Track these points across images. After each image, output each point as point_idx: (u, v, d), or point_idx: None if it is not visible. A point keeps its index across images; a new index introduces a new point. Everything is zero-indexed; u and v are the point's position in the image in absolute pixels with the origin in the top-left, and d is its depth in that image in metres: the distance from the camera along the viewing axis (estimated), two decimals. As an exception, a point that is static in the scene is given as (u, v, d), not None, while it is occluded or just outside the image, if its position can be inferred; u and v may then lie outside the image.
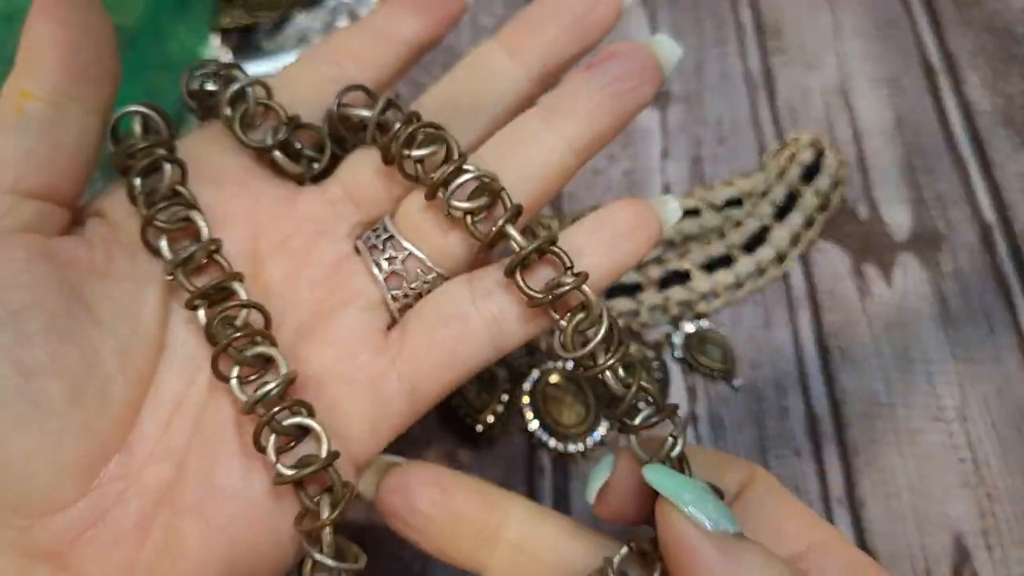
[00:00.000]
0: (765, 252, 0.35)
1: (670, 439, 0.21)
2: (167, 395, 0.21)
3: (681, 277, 0.35)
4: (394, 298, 0.23)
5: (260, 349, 0.21)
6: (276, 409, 0.20)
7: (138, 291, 0.21)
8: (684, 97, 0.41)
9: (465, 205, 0.22)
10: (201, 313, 0.21)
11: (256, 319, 0.22)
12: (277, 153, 0.24)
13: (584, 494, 0.22)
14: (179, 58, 0.39)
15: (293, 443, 0.21)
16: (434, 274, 0.23)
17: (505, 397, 0.32)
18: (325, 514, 0.20)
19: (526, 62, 0.24)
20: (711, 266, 0.35)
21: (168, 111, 0.24)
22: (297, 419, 0.21)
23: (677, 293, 0.34)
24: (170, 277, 0.21)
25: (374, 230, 0.23)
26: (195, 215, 0.22)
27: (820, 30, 0.43)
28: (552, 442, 0.31)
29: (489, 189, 0.22)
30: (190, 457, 0.21)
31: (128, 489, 0.20)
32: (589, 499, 0.22)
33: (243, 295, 0.22)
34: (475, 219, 0.22)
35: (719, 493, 0.20)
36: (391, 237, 0.23)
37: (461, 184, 0.22)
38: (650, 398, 0.21)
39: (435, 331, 0.22)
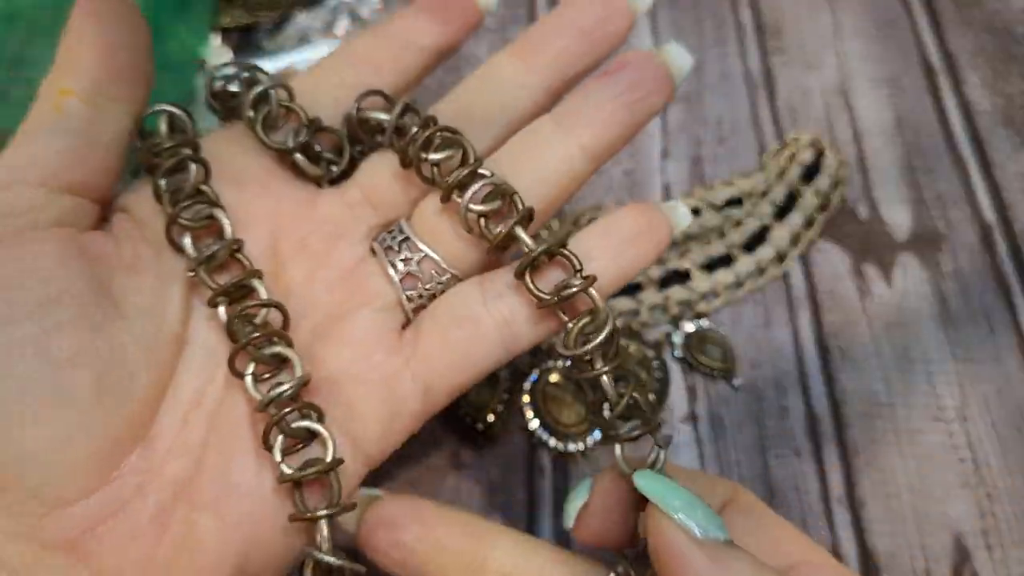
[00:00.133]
0: (765, 252, 0.35)
1: (655, 450, 0.21)
2: (186, 391, 0.21)
3: (681, 276, 0.35)
4: (409, 299, 0.23)
5: (277, 349, 0.21)
6: (286, 410, 0.20)
7: (163, 287, 0.22)
8: (684, 97, 0.41)
9: (479, 208, 0.22)
10: (222, 310, 0.22)
11: (275, 318, 0.22)
12: (298, 155, 0.24)
13: (564, 520, 0.23)
14: (179, 58, 0.39)
15: (301, 445, 0.21)
16: (448, 275, 0.23)
17: (506, 396, 0.32)
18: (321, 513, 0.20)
19: (539, 73, 0.24)
20: (711, 266, 0.35)
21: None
22: (306, 423, 0.21)
23: (677, 292, 0.34)
24: (192, 274, 0.22)
25: (390, 232, 0.24)
26: (219, 213, 0.22)
27: (820, 30, 0.43)
28: (552, 441, 0.31)
29: (502, 193, 0.22)
30: (207, 453, 0.21)
31: (146, 483, 0.20)
32: (567, 524, 0.22)
33: (263, 293, 0.22)
34: (488, 222, 0.22)
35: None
36: (407, 239, 0.23)
37: (477, 188, 0.22)
38: (640, 409, 0.21)
39: (448, 332, 0.22)
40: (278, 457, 0.20)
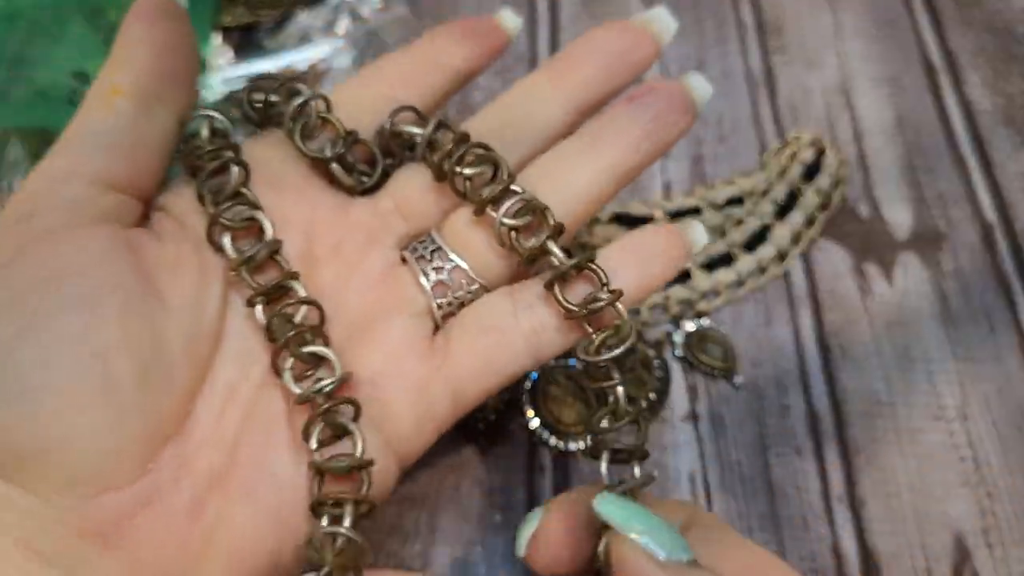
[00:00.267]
0: (766, 251, 0.35)
1: (633, 478, 0.22)
2: (221, 385, 0.22)
3: (682, 275, 0.35)
4: (439, 306, 0.24)
5: (315, 348, 0.22)
6: (327, 405, 0.21)
7: (204, 283, 0.22)
8: (685, 96, 0.41)
9: (511, 222, 0.23)
10: (259, 309, 0.22)
11: (312, 317, 0.23)
12: (334, 165, 0.25)
13: (516, 548, 0.23)
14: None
15: (334, 441, 0.22)
16: (477, 285, 0.24)
17: (506, 395, 0.32)
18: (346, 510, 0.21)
19: (568, 95, 0.25)
20: (712, 265, 0.35)
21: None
22: (342, 420, 0.21)
23: (678, 291, 0.34)
24: (233, 273, 0.22)
25: (421, 242, 0.25)
26: (259, 215, 0.23)
27: (821, 29, 0.43)
28: (553, 440, 0.31)
29: (533, 208, 0.23)
30: (241, 446, 0.21)
31: (182, 473, 0.21)
32: (518, 552, 0.23)
33: (301, 292, 0.23)
34: (519, 235, 0.23)
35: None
36: (438, 249, 0.24)
37: (511, 203, 0.23)
38: (639, 430, 0.22)
39: (477, 340, 0.23)
40: (314, 445, 0.21)
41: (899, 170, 0.39)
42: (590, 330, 0.23)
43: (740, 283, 0.35)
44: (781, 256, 0.36)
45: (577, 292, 0.23)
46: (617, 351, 0.22)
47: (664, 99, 0.25)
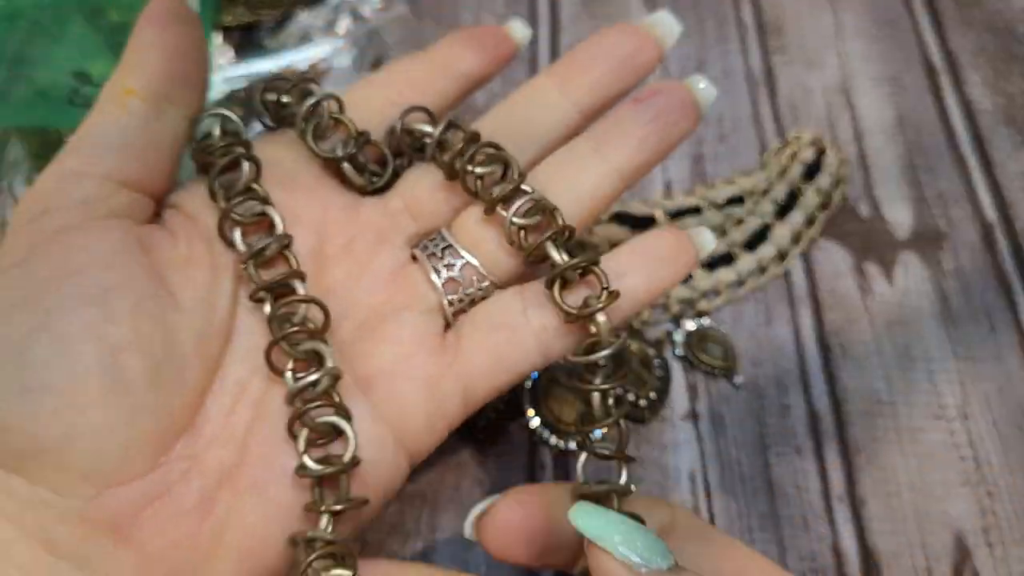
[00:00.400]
0: (766, 250, 0.35)
1: (613, 482, 0.22)
2: (231, 382, 0.22)
3: (682, 275, 0.35)
4: (450, 303, 0.24)
5: (311, 345, 0.22)
6: (312, 404, 0.21)
7: (215, 280, 0.23)
8: (685, 96, 0.41)
9: (520, 221, 0.23)
10: (267, 306, 0.22)
11: (316, 316, 0.23)
12: (346, 165, 0.25)
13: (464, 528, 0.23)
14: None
15: (324, 440, 0.22)
16: (488, 282, 0.24)
17: (507, 394, 0.32)
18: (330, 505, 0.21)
19: (575, 96, 0.26)
20: (712, 264, 0.35)
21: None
22: (333, 419, 0.22)
23: (678, 291, 0.34)
24: (243, 267, 0.23)
25: (432, 239, 0.25)
26: (270, 210, 0.23)
27: (821, 29, 0.43)
28: (553, 439, 0.31)
29: (542, 208, 0.23)
30: (251, 442, 0.22)
31: (192, 468, 0.21)
32: (466, 532, 0.23)
33: (301, 290, 0.23)
34: (527, 234, 0.24)
35: (637, 518, 0.20)
36: (449, 246, 0.25)
37: (521, 203, 0.23)
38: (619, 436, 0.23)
39: (488, 337, 0.24)
40: (301, 448, 0.21)
41: (899, 170, 0.39)
42: (594, 330, 0.23)
43: (740, 282, 0.35)
44: (781, 255, 0.36)
45: (582, 293, 0.23)
46: (599, 354, 0.22)
47: (669, 101, 0.25)
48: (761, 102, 0.41)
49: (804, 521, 0.30)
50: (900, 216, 0.37)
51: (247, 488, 0.21)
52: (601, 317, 0.22)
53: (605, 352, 0.22)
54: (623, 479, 0.22)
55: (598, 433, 0.31)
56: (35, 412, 0.19)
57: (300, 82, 0.26)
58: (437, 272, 0.24)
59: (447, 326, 0.25)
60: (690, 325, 0.34)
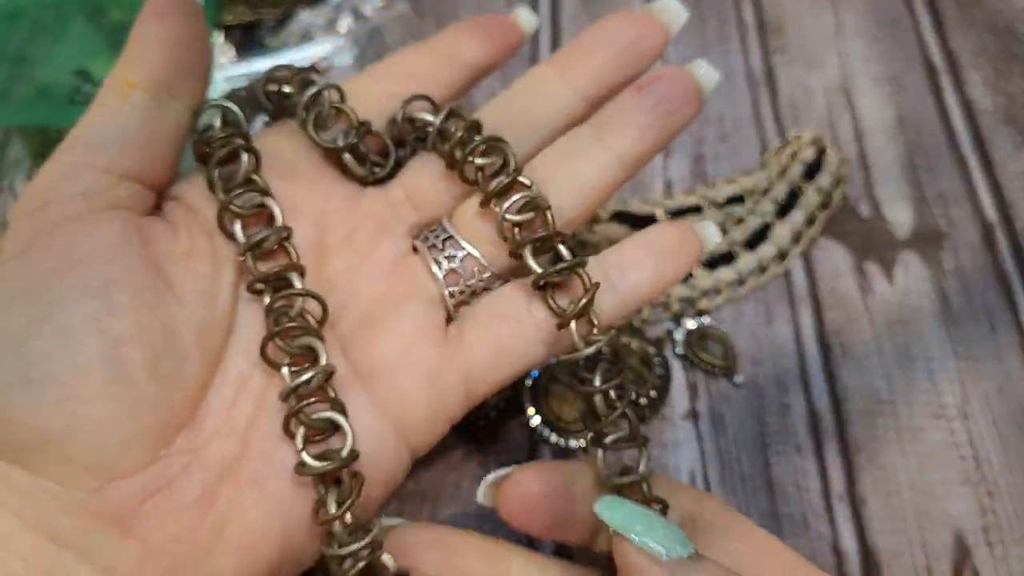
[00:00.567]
0: (767, 249, 0.35)
1: (641, 471, 0.22)
2: (233, 374, 0.22)
3: (683, 274, 0.35)
4: (451, 295, 0.24)
5: (306, 340, 0.22)
6: (306, 402, 0.21)
7: (216, 273, 0.23)
8: (686, 95, 0.41)
9: (514, 218, 0.23)
10: (266, 298, 0.22)
11: (315, 309, 0.23)
12: (347, 155, 0.25)
13: (478, 493, 0.24)
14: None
15: (321, 436, 0.22)
16: (489, 273, 0.24)
17: (507, 392, 0.32)
18: (333, 509, 0.21)
19: (578, 84, 0.26)
20: (713, 263, 0.35)
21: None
22: (329, 414, 0.22)
23: (679, 290, 0.34)
24: (242, 259, 0.23)
25: (432, 230, 0.25)
26: (269, 201, 0.23)
27: (822, 29, 0.43)
28: (553, 437, 0.31)
29: (536, 206, 0.23)
30: (253, 435, 0.22)
31: (193, 462, 0.21)
32: (479, 496, 0.24)
33: (299, 284, 0.23)
34: (521, 231, 0.23)
35: (663, 504, 0.21)
36: (450, 237, 0.24)
37: (515, 200, 0.23)
38: (628, 425, 0.22)
39: (491, 330, 0.23)
40: (299, 445, 0.21)
41: (900, 169, 0.39)
42: (595, 324, 0.23)
43: (741, 281, 0.35)
44: (782, 255, 0.36)
45: (578, 291, 0.23)
46: (582, 353, 0.22)
47: (671, 87, 0.25)
48: (762, 102, 0.41)
49: (804, 520, 0.30)
50: (900, 216, 0.37)
51: (248, 482, 0.21)
52: (573, 328, 0.22)
53: (587, 351, 0.22)
54: (643, 466, 0.22)
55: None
56: (37, 404, 0.19)
57: (301, 71, 0.26)
58: (438, 264, 0.24)
59: (449, 318, 0.24)
60: (690, 324, 0.34)
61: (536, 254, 0.23)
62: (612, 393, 0.22)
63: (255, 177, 0.24)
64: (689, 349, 0.34)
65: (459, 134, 0.24)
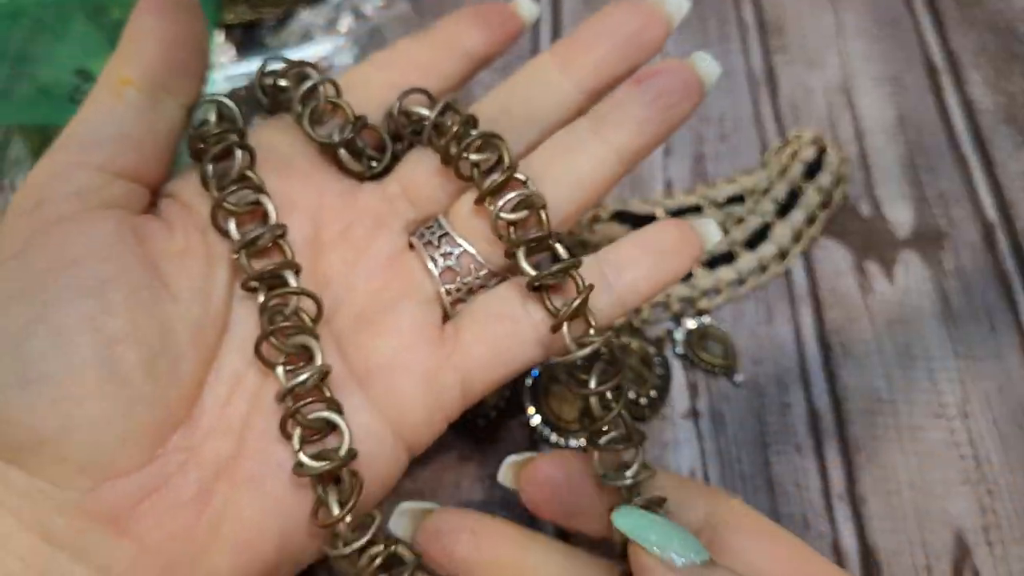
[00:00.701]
0: (767, 249, 0.35)
1: (631, 473, 0.22)
2: (228, 372, 0.22)
3: (683, 273, 0.35)
4: (447, 292, 0.24)
5: (301, 339, 0.22)
6: (302, 402, 0.21)
7: (210, 271, 0.22)
8: (686, 95, 0.41)
9: (508, 216, 0.23)
10: (260, 296, 0.22)
11: (310, 308, 0.23)
12: (342, 151, 0.25)
13: (502, 475, 0.25)
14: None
15: (318, 436, 0.22)
16: (486, 271, 0.24)
17: (507, 392, 0.32)
18: (335, 510, 0.21)
19: (578, 77, 0.25)
20: (713, 262, 0.35)
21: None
22: (326, 414, 0.21)
23: (679, 289, 0.34)
24: (236, 256, 0.22)
25: (428, 227, 0.25)
26: (264, 199, 0.23)
27: (823, 28, 0.43)
28: (553, 437, 0.31)
29: (531, 204, 0.23)
30: (248, 433, 0.22)
31: (189, 460, 0.21)
32: (504, 477, 0.25)
33: (293, 283, 0.22)
34: (516, 229, 0.23)
35: (663, 500, 0.22)
36: (446, 234, 0.24)
37: (510, 198, 0.23)
38: (624, 425, 0.22)
39: (488, 329, 0.23)
40: (296, 446, 0.21)
41: (900, 169, 0.39)
42: (592, 324, 0.23)
43: (741, 281, 0.35)
44: (782, 254, 0.36)
45: (574, 291, 0.23)
46: (575, 355, 0.22)
47: (671, 81, 0.24)
48: (762, 101, 0.41)
49: (804, 519, 0.30)
50: (901, 215, 0.37)
51: (244, 481, 0.21)
52: (592, 313, 0.22)
53: (581, 353, 0.22)
54: (636, 466, 0.22)
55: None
56: (33, 404, 0.19)
57: (297, 65, 0.25)
58: (434, 261, 0.24)
59: (445, 316, 0.24)
60: (691, 323, 0.34)
61: (531, 254, 0.23)
62: (608, 394, 0.22)
63: (249, 174, 0.23)
64: (689, 348, 0.34)
65: (454, 128, 0.24)
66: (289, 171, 0.24)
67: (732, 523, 0.23)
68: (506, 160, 0.23)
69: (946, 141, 0.39)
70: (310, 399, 0.21)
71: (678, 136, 0.40)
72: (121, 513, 0.20)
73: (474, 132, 0.24)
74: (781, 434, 0.32)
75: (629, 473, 0.22)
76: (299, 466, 0.21)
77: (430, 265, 0.24)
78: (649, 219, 0.36)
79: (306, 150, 0.25)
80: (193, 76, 0.23)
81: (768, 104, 0.41)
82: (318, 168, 0.25)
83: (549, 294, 0.23)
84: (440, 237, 0.24)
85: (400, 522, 0.24)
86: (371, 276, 0.24)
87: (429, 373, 0.23)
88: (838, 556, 0.29)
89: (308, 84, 0.25)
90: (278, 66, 0.25)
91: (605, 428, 0.22)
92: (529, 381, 0.32)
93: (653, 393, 0.32)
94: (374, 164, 0.26)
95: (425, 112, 0.24)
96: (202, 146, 0.23)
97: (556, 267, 0.22)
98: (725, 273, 0.35)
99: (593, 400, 0.22)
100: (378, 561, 0.20)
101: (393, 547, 0.21)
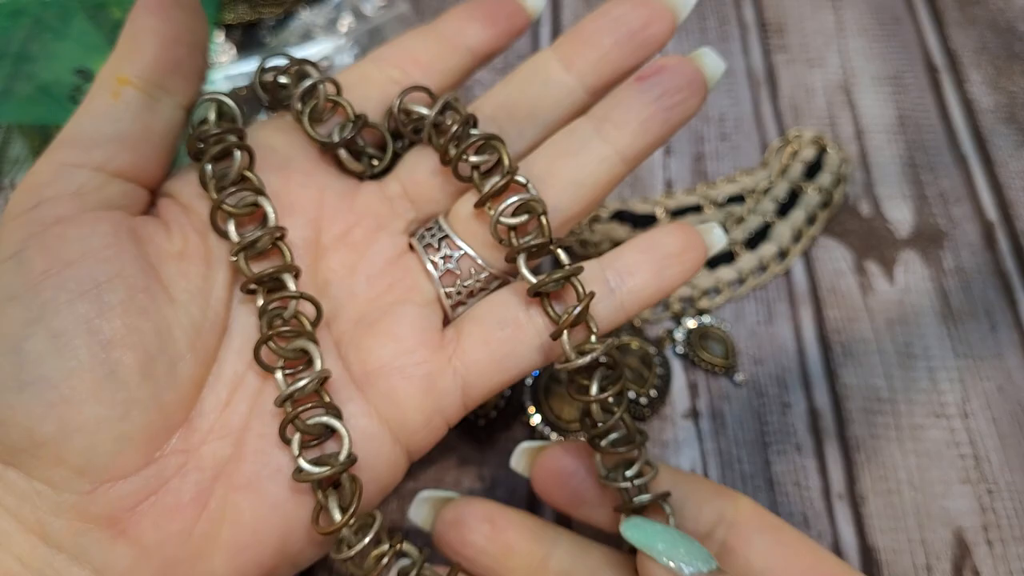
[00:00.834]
0: (767, 248, 0.35)
1: (631, 473, 0.22)
2: (227, 375, 0.22)
3: (683, 273, 0.35)
4: (447, 295, 0.24)
5: (300, 343, 0.22)
6: (302, 407, 0.21)
7: (209, 272, 0.22)
8: (687, 94, 0.41)
9: (508, 221, 0.23)
10: (260, 299, 0.22)
11: (309, 311, 0.22)
12: (342, 151, 0.25)
13: (515, 460, 0.25)
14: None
15: (317, 441, 0.22)
16: (486, 273, 0.24)
17: (507, 392, 0.32)
18: (336, 516, 0.21)
19: (581, 73, 0.25)
20: (713, 262, 0.35)
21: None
22: (325, 419, 0.21)
23: (679, 289, 0.34)
24: (235, 259, 0.22)
25: (428, 229, 0.24)
26: (263, 200, 0.23)
27: (823, 28, 0.43)
28: (554, 436, 0.31)
29: (531, 209, 0.23)
30: (247, 436, 0.21)
31: (188, 462, 0.21)
32: (517, 463, 0.25)
33: (292, 286, 0.22)
34: (516, 233, 0.23)
35: (665, 495, 0.22)
36: (446, 236, 0.24)
37: (510, 202, 0.23)
38: (625, 426, 0.22)
39: (489, 334, 0.23)
40: (296, 452, 0.21)
41: (900, 168, 0.39)
42: (594, 330, 0.22)
43: (741, 280, 0.35)
44: (782, 254, 0.36)
45: (574, 298, 0.23)
46: (577, 362, 0.21)
47: (674, 79, 0.23)
48: (762, 101, 0.41)
49: (804, 518, 0.30)
50: (901, 215, 0.37)
51: (243, 484, 0.21)
52: (592, 320, 0.22)
53: (580, 361, 0.21)
54: (634, 470, 0.22)
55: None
56: (31, 406, 0.19)
57: (297, 63, 0.25)
58: (434, 264, 0.24)
59: (446, 318, 0.24)
60: (691, 323, 0.34)
61: (532, 259, 0.23)
62: (610, 399, 0.22)
63: (249, 175, 0.23)
64: (690, 348, 0.34)
65: (453, 128, 0.23)
66: (289, 171, 0.24)
67: (741, 520, 0.23)
68: (505, 162, 0.23)
69: (946, 140, 0.39)
70: (309, 404, 0.21)
71: (678, 135, 0.40)
72: (119, 515, 0.20)
73: (473, 133, 0.23)
74: (781, 434, 0.32)
75: (629, 473, 0.22)
76: (298, 471, 0.21)
77: (430, 268, 0.24)
78: (650, 218, 0.36)
79: (306, 150, 0.25)
80: (192, 76, 0.23)
81: (768, 103, 0.41)
82: (318, 168, 0.25)
83: (550, 300, 0.22)
84: (440, 239, 0.24)
85: (420, 510, 0.25)
86: (371, 279, 0.24)
87: (429, 378, 0.23)
88: (838, 555, 0.29)
89: (308, 83, 0.24)
90: (280, 62, 0.25)
91: (608, 429, 0.22)
92: (529, 381, 0.32)
93: (653, 393, 0.32)
94: (375, 163, 0.25)
95: (425, 111, 0.24)
96: (201, 146, 0.23)
97: (557, 274, 0.22)
98: (725, 273, 0.35)
99: (594, 406, 0.22)
100: (385, 560, 0.20)
101: (398, 545, 0.21)
